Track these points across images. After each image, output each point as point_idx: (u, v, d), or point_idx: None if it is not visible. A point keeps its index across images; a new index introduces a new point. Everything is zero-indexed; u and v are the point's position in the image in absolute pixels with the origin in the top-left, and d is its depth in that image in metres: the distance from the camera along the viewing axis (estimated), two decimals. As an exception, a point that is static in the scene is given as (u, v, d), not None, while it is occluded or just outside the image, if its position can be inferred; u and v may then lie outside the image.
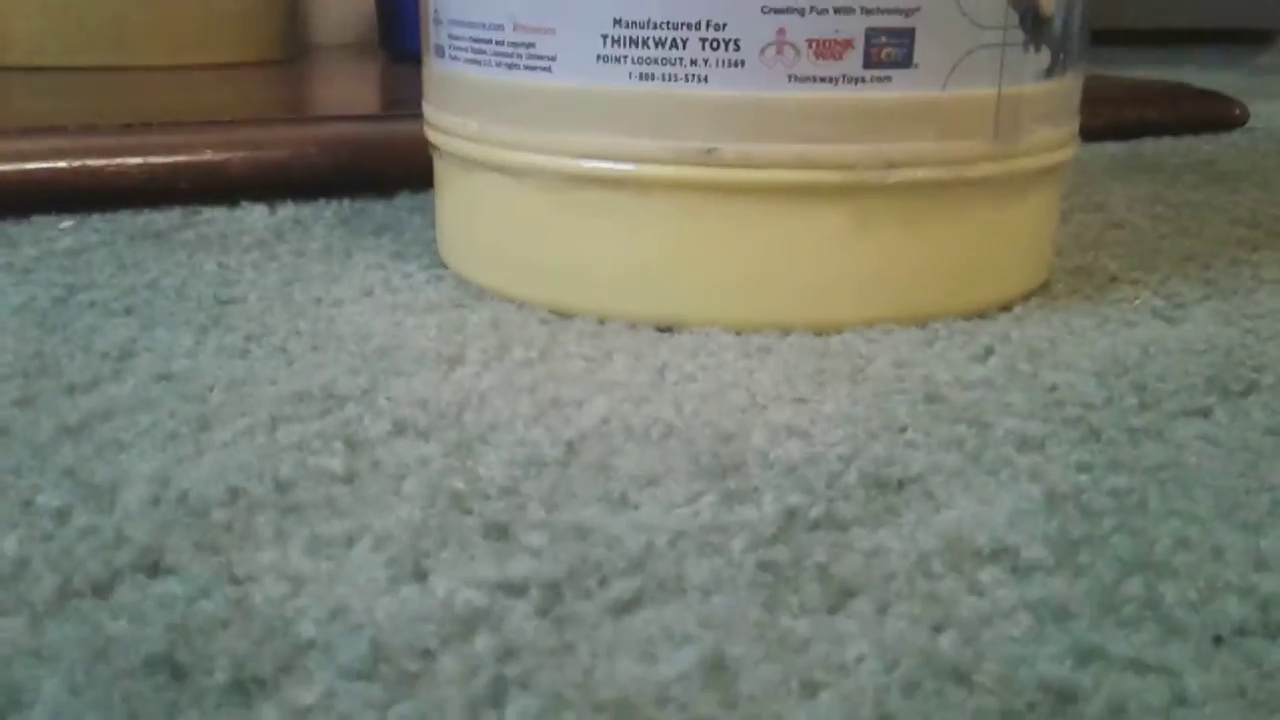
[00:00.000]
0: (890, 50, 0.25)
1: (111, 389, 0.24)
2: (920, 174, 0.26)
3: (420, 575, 0.17)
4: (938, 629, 0.16)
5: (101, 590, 0.16)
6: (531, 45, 0.27)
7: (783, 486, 0.19)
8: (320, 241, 0.36)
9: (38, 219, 0.38)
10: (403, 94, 0.59)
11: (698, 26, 0.25)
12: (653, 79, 0.25)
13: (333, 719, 0.14)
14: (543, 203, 0.28)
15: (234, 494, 0.19)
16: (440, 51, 0.30)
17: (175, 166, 0.40)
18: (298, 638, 0.15)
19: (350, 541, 0.18)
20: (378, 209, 0.41)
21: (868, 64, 0.25)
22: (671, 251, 0.27)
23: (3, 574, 0.16)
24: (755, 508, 0.19)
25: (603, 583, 0.17)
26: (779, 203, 0.26)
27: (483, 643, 0.15)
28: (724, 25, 0.25)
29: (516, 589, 0.16)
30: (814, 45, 0.24)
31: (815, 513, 0.19)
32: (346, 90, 0.61)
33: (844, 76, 0.25)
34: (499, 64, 0.28)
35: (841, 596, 0.16)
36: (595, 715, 0.14)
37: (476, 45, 0.28)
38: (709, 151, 0.26)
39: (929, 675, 0.15)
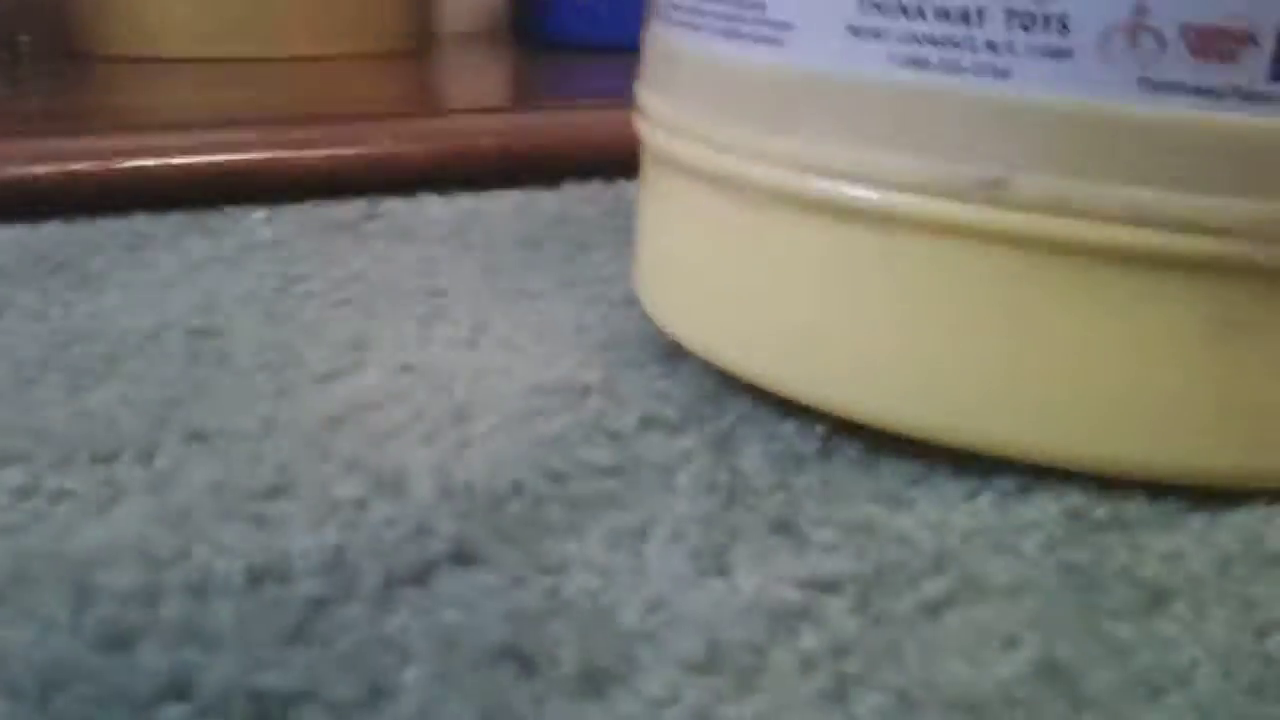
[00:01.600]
0: None
1: (358, 380, 0.24)
2: None
3: (723, 570, 0.17)
4: (1261, 633, 0.15)
5: (421, 580, 0.17)
6: (761, 7, 0.19)
7: (1060, 488, 0.19)
8: (505, 231, 0.37)
9: (230, 210, 0.39)
10: (544, 84, 0.59)
11: None
12: (924, 66, 0.17)
13: (685, 712, 0.14)
14: (743, 222, 0.21)
15: (516, 486, 0.19)
16: (661, 11, 0.23)
17: (358, 158, 0.41)
18: (625, 629, 0.16)
19: (644, 535, 0.18)
20: (549, 199, 0.42)
21: (1277, 74, 0.16)
22: (917, 320, 0.19)
23: (327, 563, 0.17)
24: (1037, 509, 0.19)
25: (911, 582, 0.17)
26: (1103, 274, 0.17)
27: (811, 639, 0.15)
28: None
29: (826, 586, 0.17)
30: (1191, 35, 0.16)
31: (1100, 513, 0.19)
32: (489, 80, 0.62)
33: (1235, 90, 0.16)
34: (720, 31, 0.20)
35: (1155, 600, 0.16)
36: (946, 713, 0.14)
37: (695, 8, 0.21)
38: (995, 184, 0.17)
39: (1272, 680, 0.14)
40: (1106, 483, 0.20)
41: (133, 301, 0.29)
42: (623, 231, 0.37)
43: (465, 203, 0.41)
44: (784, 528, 0.18)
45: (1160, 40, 0.16)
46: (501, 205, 0.40)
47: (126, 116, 0.45)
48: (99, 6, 0.66)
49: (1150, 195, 0.17)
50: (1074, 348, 0.18)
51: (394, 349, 0.26)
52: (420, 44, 0.74)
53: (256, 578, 0.17)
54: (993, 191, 0.17)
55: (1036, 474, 0.20)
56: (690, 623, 0.16)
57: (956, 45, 0.17)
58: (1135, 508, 0.19)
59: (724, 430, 0.22)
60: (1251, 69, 0.16)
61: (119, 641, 0.15)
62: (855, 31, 0.18)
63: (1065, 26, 0.16)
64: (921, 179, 0.18)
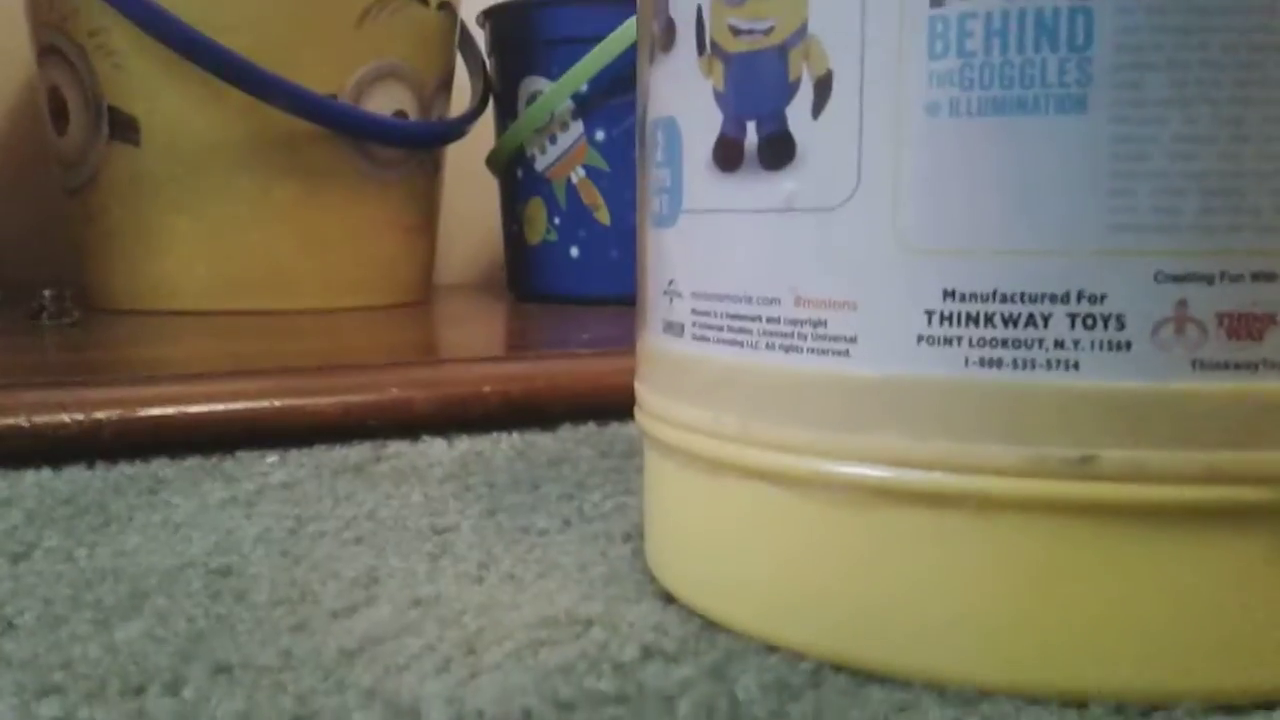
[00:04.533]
0: None
1: (372, 614, 0.26)
2: None
3: (725, 792, 0.18)
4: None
5: (438, 804, 0.18)
6: (821, 324, 0.22)
7: (1041, 718, 0.20)
8: (505, 473, 0.39)
9: (243, 455, 0.41)
10: (540, 332, 0.63)
11: (1064, 299, 0.20)
12: (1000, 365, 0.20)
13: None
14: (833, 523, 0.22)
15: (526, 714, 0.21)
16: (674, 329, 0.25)
17: (365, 404, 0.44)
18: None
19: (648, 759, 0.19)
20: (546, 441, 0.44)
21: None
22: (1025, 592, 0.21)
23: (348, 787, 0.18)
24: (1019, 729, 0.20)
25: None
26: (1178, 530, 0.20)
27: None
28: (1101, 297, 0.20)
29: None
30: (1226, 322, 0.20)
31: (1079, 734, 0.20)
32: (486, 329, 0.65)
33: (1264, 362, 0.20)
34: (772, 346, 0.23)
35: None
36: None
37: (737, 323, 0.23)
38: (1083, 461, 0.20)
39: None
40: (1082, 713, 0.21)
41: (154, 542, 0.30)
42: (617, 472, 0.39)
43: (467, 445, 0.43)
44: (781, 751, 0.19)
45: (1203, 329, 0.20)
46: (501, 447, 0.43)
47: (146, 367, 0.47)
48: (121, 265, 0.70)
49: (1215, 456, 0.20)
50: (1161, 592, 0.20)
51: (404, 584, 0.27)
52: (422, 296, 0.78)
53: (282, 804, 0.17)
54: (1081, 469, 0.20)
55: (1017, 704, 0.21)
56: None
57: (1026, 346, 0.20)
58: (1111, 729, 0.20)
59: (719, 661, 0.23)
60: (1275, 345, 0.20)
61: None
62: (926, 340, 0.21)
63: (1122, 324, 0.20)
64: (1011, 464, 0.20)
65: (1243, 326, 0.20)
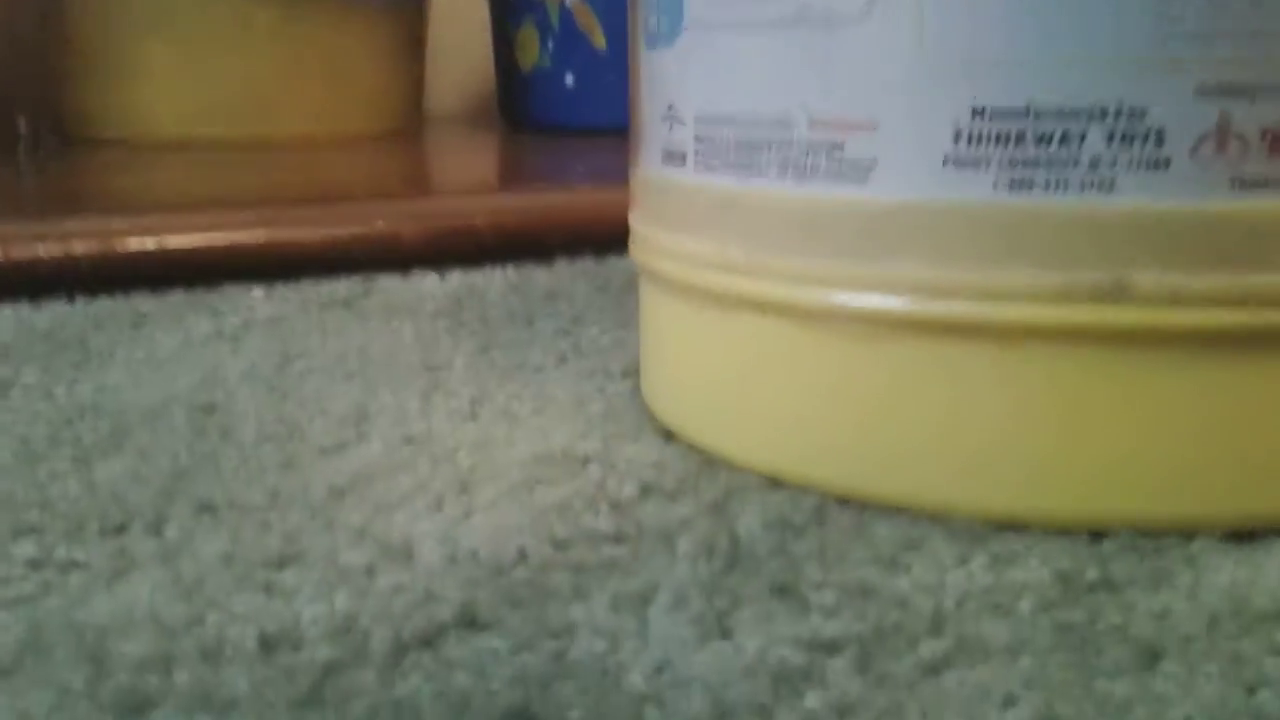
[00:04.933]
0: None
1: (362, 451, 0.25)
2: None
3: (726, 632, 0.17)
4: (1251, 689, 0.16)
5: (431, 644, 0.17)
6: (838, 147, 0.20)
7: (1050, 552, 0.20)
8: (500, 308, 0.38)
9: (227, 289, 0.40)
10: (533, 164, 0.61)
11: (1102, 115, 0.18)
12: (1031, 187, 0.19)
13: (694, 770, 0.14)
14: (848, 357, 0.21)
15: (521, 553, 0.20)
16: (675, 158, 0.24)
17: (353, 237, 0.42)
18: (632, 691, 0.16)
19: (647, 599, 0.18)
20: (541, 275, 0.42)
21: None
22: (1050, 424, 0.20)
23: (338, 628, 0.17)
24: (1029, 571, 0.19)
25: (910, 643, 0.17)
26: (1220, 356, 0.19)
27: (815, 700, 0.16)
28: (1142, 112, 0.18)
29: (828, 647, 0.17)
30: (1269, 138, 0.18)
31: (1091, 575, 0.19)
32: (478, 160, 0.63)
33: None
34: (783, 172, 0.21)
35: (1148, 658, 0.17)
36: (949, 770, 0.14)
37: (746, 148, 0.22)
38: (1117, 285, 0.19)
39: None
40: (1093, 545, 0.20)
41: (136, 378, 0.29)
42: (616, 306, 0.38)
43: (459, 279, 0.42)
44: (784, 591, 0.19)
45: (1245, 144, 0.19)
46: (495, 281, 0.41)
47: (124, 198, 0.46)
48: (96, 91, 0.67)
49: (1257, 279, 0.19)
50: (1199, 420, 0.20)
51: (395, 421, 0.27)
52: (411, 125, 0.75)
53: (269, 645, 0.17)
54: (1116, 293, 0.19)
55: (1025, 539, 0.20)
56: (696, 684, 0.16)
57: (1060, 165, 0.19)
58: (1124, 569, 0.19)
59: (719, 499, 0.22)
60: None
61: (135, 708, 0.15)
62: (953, 162, 0.19)
63: (1161, 139, 0.19)
64: (1041, 289, 0.19)
65: None
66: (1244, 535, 0.20)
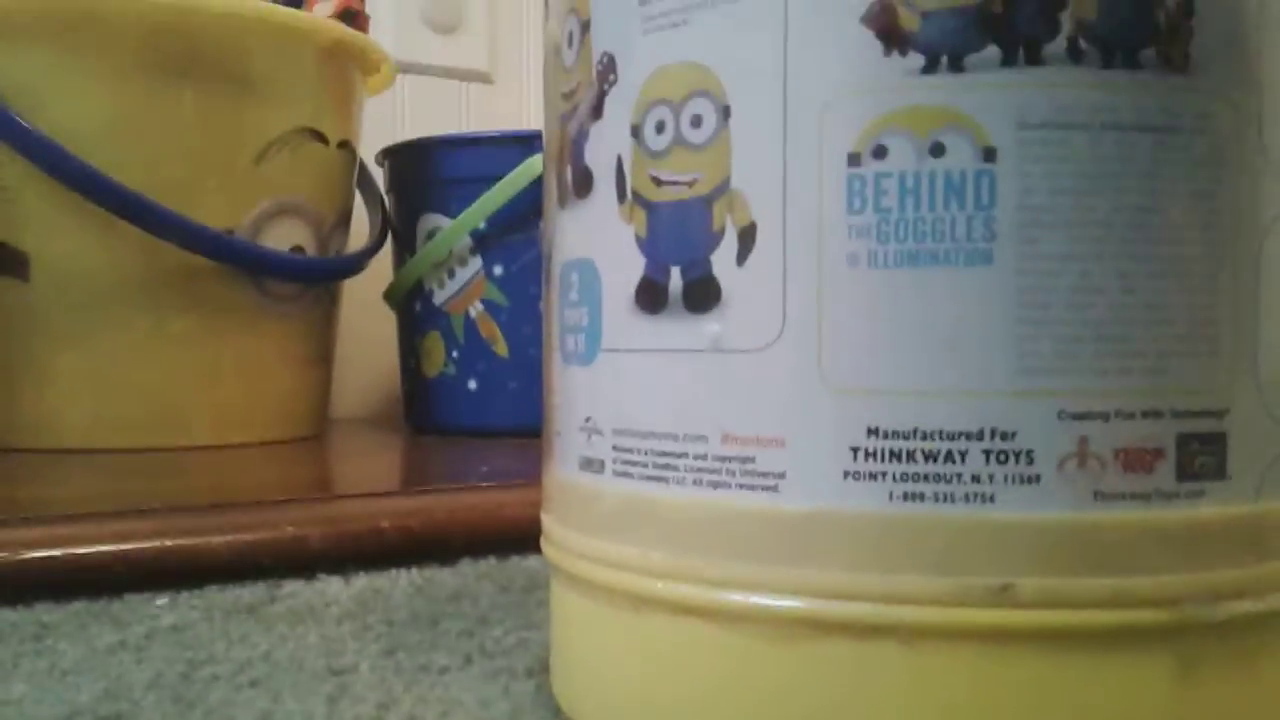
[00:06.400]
0: (1204, 460, 0.22)
1: (279, 764, 0.24)
2: (1249, 606, 0.22)
3: None
4: None
5: None
6: (749, 460, 0.22)
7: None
8: (404, 610, 0.38)
9: (131, 597, 0.39)
10: (437, 466, 0.62)
11: (979, 436, 0.21)
12: (922, 499, 0.21)
13: None
14: (762, 656, 0.22)
15: None
16: (593, 465, 0.26)
17: (258, 543, 0.42)
18: None
19: None
20: (445, 576, 0.43)
21: (1181, 476, 0.22)
22: (953, 716, 0.21)
23: None
24: None
25: None
26: (1091, 651, 0.21)
27: None
28: (1013, 434, 0.21)
29: None
30: (1122, 456, 0.21)
31: None
32: (382, 463, 0.64)
33: (1156, 492, 0.21)
34: (699, 482, 0.23)
35: None
36: None
37: (663, 459, 0.24)
38: (1004, 590, 0.21)
39: None
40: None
41: (40, 690, 0.29)
42: (519, 606, 0.38)
43: (364, 582, 0.42)
44: None
45: (1102, 462, 0.21)
46: (400, 584, 0.42)
47: (30, 508, 0.45)
48: (5, 401, 0.67)
49: (1119, 581, 0.21)
50: (1074, 711, 0.21)
51: (311, 731, 0.26)
52: (318, 429, 0.77)
53: None
54: (1001, 597, 0.21)
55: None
56: None
57: (945, 481, 0.21)
58: None
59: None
60: (1164, 476, 0.22)
61: None
62: (852, 475, 0.22)
63: (1031, 459, 0.21)
64: (935, 594, 0.21)
65: (1136, 460, 0.21)
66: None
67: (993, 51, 0.21)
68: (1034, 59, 0.21)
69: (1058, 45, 0.21)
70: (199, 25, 0.65)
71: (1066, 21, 0.21)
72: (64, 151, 0.63)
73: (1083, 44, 0.21)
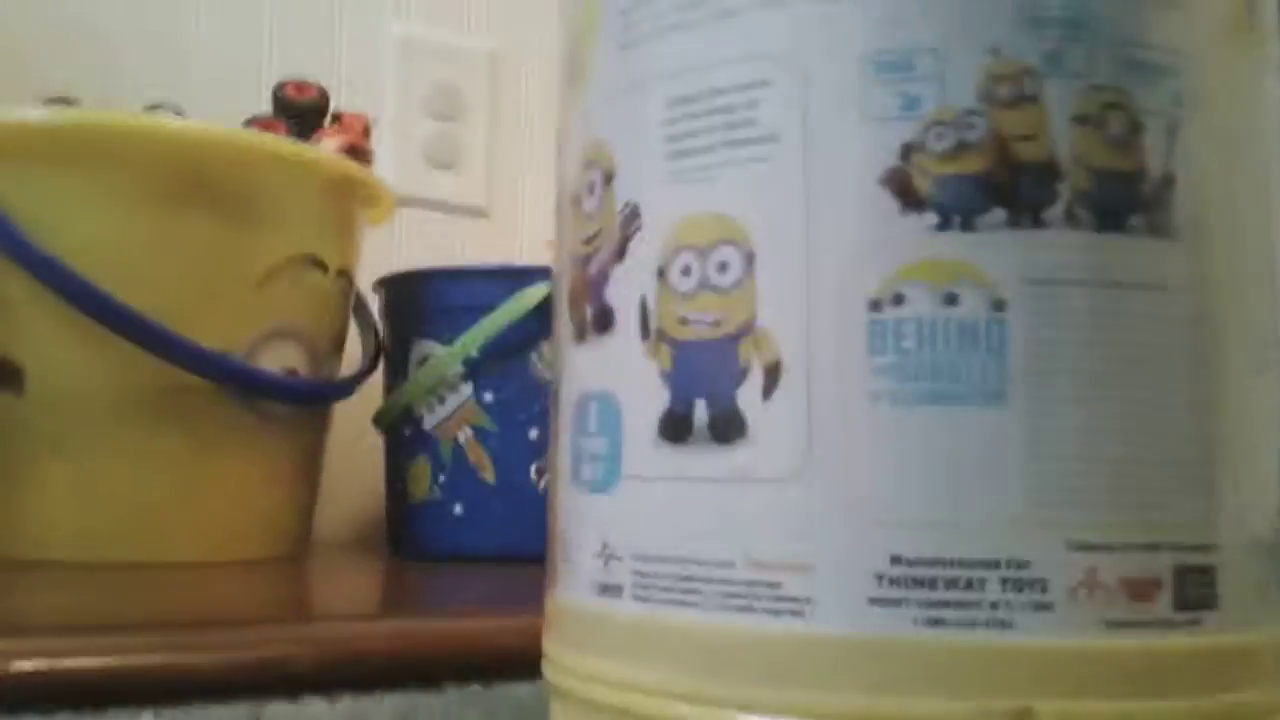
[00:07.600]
0: (1199, 591, 0.23)
1: None
2: None
3: None
4: None
5: None
6: (776, 585, 0.23)
7: None
8: (400, 736, 0.38)
9: (114, 713, 0.39)
10: (423, 590, 0.62)
11: (996, 565, 0.22)
12: (944, 625, 0.22)
13: None
14: None
15: None
16: (612, 590, 0.26)
17: (243, 663, 0.42)
18: None
19: None
20: (431, 701, 0.43)
21: (1178, 606, 0.23)
22: None
23: None
24: None
25: None
26: None
27: None
28: (1027, 563, 0.22)
29: None
30: (1127, 586, 0.23)
31: None
32: (368, 585, 0.64)
33: (1158, 620, 0.23)
34: (725, 606, 0.24)
35: None
36: None
37: (687, 584, 0.24)
38: (1023, 713, 0.22)
39: None
40: None
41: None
42: (512, 734, 0.38)
43: (349, 705, 0.41)
44: None
45: (1109, 591, 0.23)
46: (385, 707, 0.41)
47: (11, 619, 0.45)
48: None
49: (1127, 705, 0.22)
50: None
51: None
52: (299, 550, 0.76)
53: None
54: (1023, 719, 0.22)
55: None
56: None
57: (966, 607, 0.22)
58: None
59: None
60: (1163, 605, 0.23)
61: None
62: (877, 601, 0.23)
63: (1045, 587, 0.22)
64: (958, 716, 0.22)
65: (1139, 590, 0.23)
66: None
67: (999, 214, 0.23)
68: (1036, 221, 0.23)
69: (1056, 210, 0.23)
70: (209, 154, 0.67)
71: (1064, 190, 0.23)
72: (67, 270, 0.64)
73: (1078, 210, 0.23)
